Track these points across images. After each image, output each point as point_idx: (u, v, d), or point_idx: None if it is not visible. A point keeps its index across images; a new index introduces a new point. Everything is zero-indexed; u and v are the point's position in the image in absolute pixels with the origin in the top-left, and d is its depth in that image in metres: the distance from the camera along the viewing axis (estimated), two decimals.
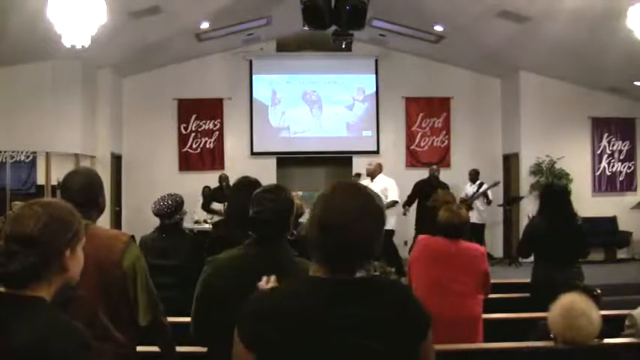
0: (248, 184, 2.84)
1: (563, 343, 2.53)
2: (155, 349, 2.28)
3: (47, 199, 1.47)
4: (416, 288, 3.35)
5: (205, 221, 8.86)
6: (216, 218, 8.36)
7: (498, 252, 10.34)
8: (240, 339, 1.37)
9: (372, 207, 1.39)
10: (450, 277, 3.26)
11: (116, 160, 9.95)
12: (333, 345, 1.31)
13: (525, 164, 9.88)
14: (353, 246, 1.35)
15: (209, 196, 9.08)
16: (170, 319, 2.35)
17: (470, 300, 3.29)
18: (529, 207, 9.32)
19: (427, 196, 6.66)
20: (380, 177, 7.84)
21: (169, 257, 3.67)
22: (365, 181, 7.51)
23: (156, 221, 3.90)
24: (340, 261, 1.37)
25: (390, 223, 7.30)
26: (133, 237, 2.16)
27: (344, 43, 8.90)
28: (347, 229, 1.34)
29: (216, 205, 8.74)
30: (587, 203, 8.98)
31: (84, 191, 2.15)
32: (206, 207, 8.95)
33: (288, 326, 1.33)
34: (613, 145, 10.17)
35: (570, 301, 2.56)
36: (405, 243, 8.88)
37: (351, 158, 10.58)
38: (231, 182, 8.70)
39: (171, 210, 3.78)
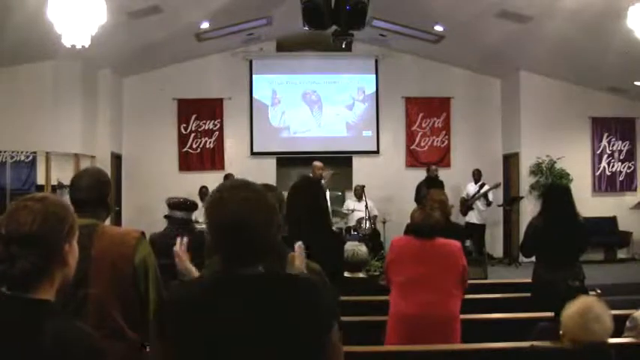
0: (310, 184, 2.89)
1: (571, 342, 2.52)
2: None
3: (39, 193, 1.41)
4: (395, 289, 3.35)
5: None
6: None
7: (498, 252, 10.34)
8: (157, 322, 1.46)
9: (262, 204, 1.44)
10: (428, 276, 3.25)
11: (116, 160, 9.95)
12: (228, 338, 1.35)
13: (525, 164, 9.88)
14: (247, 243, 1.41)
15: None
16: None
17: (449, 299, 3.28)
18: (529, 207, 9.35)
19: None
20: None
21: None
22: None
23: (157, 220, 3.90)
24: (237, 258, 1.42)
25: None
26: (143, 233, 2.18)
27: (344, 43, 8.89)
28: (239, 228, 1.39)
29: None
30: (587, 203, 8.95)
31: (92, 191, 2.17)
32: None
33: (189, 316, 1.39)
34: (613, 145, 10.16)
35: (589, 302, 2.57)
36: None
37: (351, 158, 10.59)
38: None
39: (187, 204, 3.80)
